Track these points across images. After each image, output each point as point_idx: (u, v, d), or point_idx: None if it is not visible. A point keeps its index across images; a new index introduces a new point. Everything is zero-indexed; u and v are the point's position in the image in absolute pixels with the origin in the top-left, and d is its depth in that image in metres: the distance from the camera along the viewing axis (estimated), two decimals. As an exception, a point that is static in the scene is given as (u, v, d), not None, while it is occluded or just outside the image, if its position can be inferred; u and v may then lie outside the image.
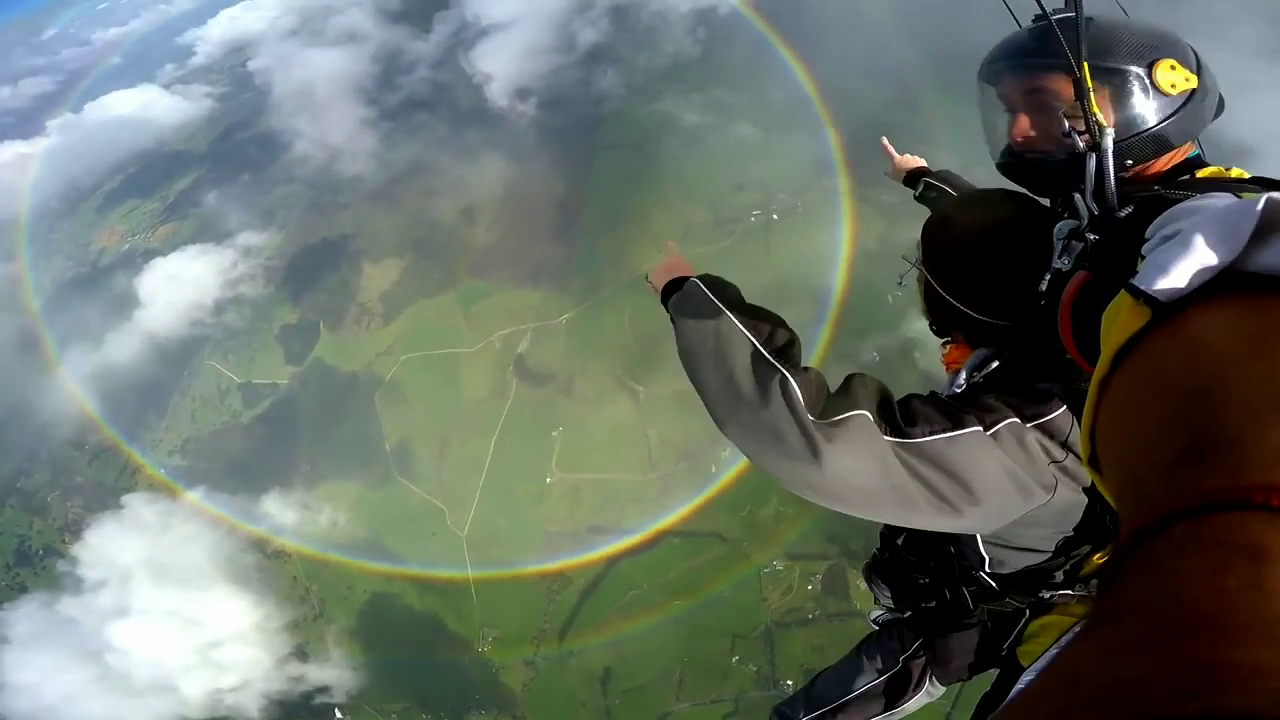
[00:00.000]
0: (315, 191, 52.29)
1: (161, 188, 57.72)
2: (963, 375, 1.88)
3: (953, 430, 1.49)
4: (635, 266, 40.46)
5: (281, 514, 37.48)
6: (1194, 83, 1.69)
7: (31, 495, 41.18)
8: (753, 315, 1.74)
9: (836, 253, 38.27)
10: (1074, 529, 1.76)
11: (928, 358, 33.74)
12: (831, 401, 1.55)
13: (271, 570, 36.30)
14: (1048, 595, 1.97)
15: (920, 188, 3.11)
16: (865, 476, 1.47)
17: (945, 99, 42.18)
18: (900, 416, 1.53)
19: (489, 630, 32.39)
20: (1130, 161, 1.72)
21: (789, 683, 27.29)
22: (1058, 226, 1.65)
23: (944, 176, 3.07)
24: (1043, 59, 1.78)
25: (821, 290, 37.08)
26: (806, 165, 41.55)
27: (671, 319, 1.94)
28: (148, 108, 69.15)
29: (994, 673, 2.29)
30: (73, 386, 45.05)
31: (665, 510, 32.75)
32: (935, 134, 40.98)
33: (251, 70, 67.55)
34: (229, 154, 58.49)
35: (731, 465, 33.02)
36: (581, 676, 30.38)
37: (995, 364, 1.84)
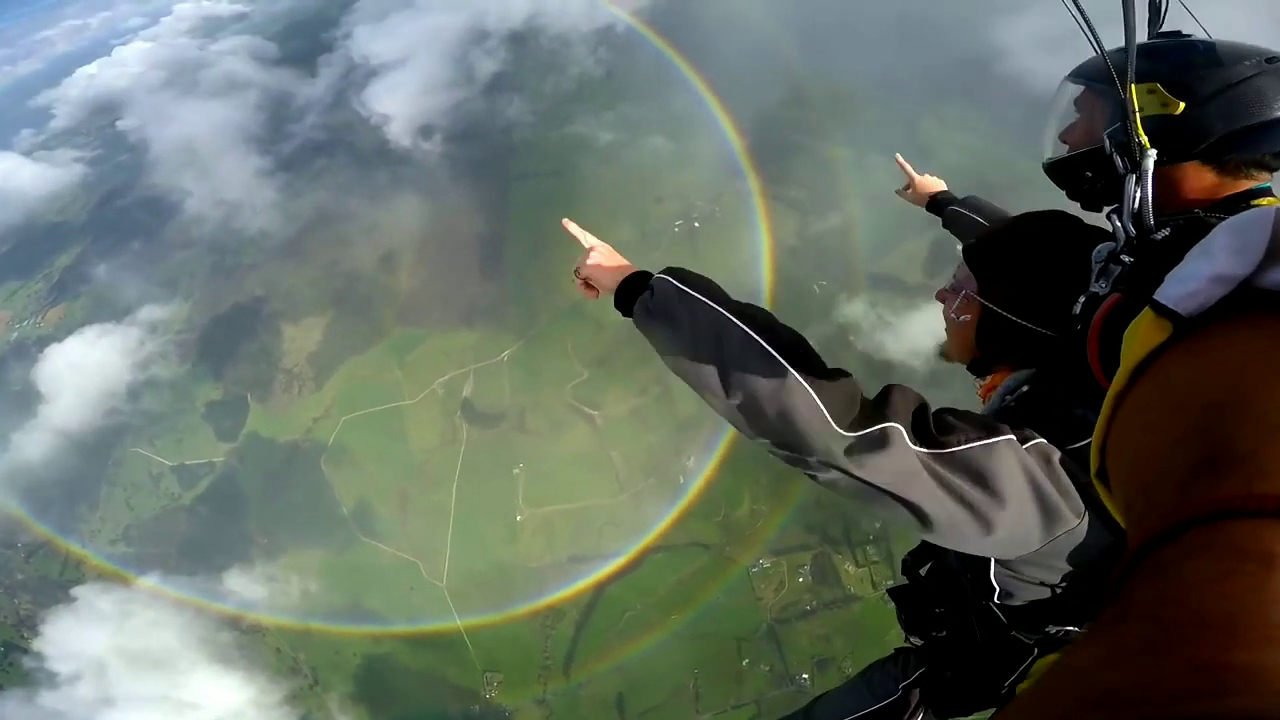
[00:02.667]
0: (217, 254, 49.78)
1: (43, 265, 53.51)
2: (996, 398, 1.93)
3: (987, 438, 1.49)
4: (569, 293, 40.27)
5: (248, 589, 36.18)
6: (1175, 108, 1.72)
7: (-29, 596, 38.42)
8: (750, 315, 1.65)
9: (759, 252, 39.74)
10: (1086, 565, 1.67)
11: (863, 339, 35.54)
12: (864, 411, 1.52)
13: (252, 645, 35.01)
14: (1054, 630, 1.91)
15: (947, 215, 3.09)
16: (891, 488, 1.47)
17: (833, 94, 44.51)
18: (935, 427, 1.52)
19: (492, 676, 32.14)
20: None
21: (804, 677, 27.94)
22: (1096, 250, 1.68)
23: (974, 204, 3.02)
24: (1094, 80, 1.92)
25: (753, 290, 38.35)
26: (718, 170, 43.01)
27: (640, 325, 1.78)
28: (9, 178, 63.97)
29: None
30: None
31: (642, 528, 33.15)
32: (827, 127, 43.36)
33: (122, 129, 63.72)
34: (113, 222, 54.88)
35: (699, 473, 33.92)
36: (595, 707, 30.46)
37: (1025, 387, 1.85)
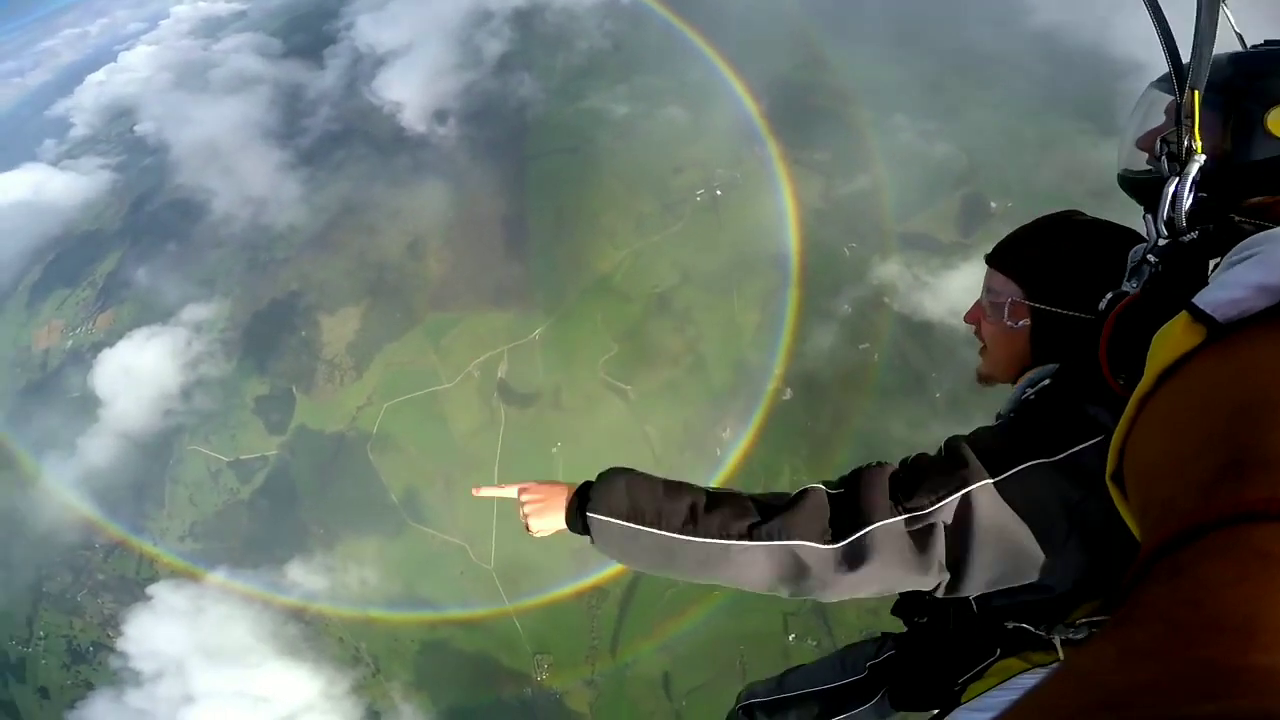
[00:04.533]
0: (250, 250, 50.41)
1: (86, 273, 54.42)
2: (1018, 390, 1.89)
3: (958, 489, 1.49)
4: (596, 269, 40.95)
5: (309, 581, 37.48)
6: None
7: (60, 597, 40.43)
8: (692, 518, 1.65)
9: (784, 216, 39.29)
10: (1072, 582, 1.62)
11: (900, 301, 35.11)
12: (841, 515, 1.54)
13: (317, 637, 36.38)
14: (1010, 625, 1.82)
15: None
16: (886, 577, 1.52)
17: (846, 53, 43.29)
18: (906, 481, 1.53)
19: (542, 658, 32.93)
20: (1204, 194, 1.70)
21: (854, 650, 28.00)
22: (1133, 250, 1.64)
23: None
24: (1168, 82, 1.79)
25: (780, 255, 38.23)
26: (736, 137, 42.32)
27: (602, 551, 1.81)
28: (41, 189, 64.64)
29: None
30: (61, 493, 43.75)
31: (682, 504, 33.35)
32: (844, 87, 42.33)
33: (141, 133, 63.82)
34: (146, 225, 55.61)
35: (736, 445, 34.10)
36: (643, 686, 31.04)
37: (1046, 381, 1.78)
